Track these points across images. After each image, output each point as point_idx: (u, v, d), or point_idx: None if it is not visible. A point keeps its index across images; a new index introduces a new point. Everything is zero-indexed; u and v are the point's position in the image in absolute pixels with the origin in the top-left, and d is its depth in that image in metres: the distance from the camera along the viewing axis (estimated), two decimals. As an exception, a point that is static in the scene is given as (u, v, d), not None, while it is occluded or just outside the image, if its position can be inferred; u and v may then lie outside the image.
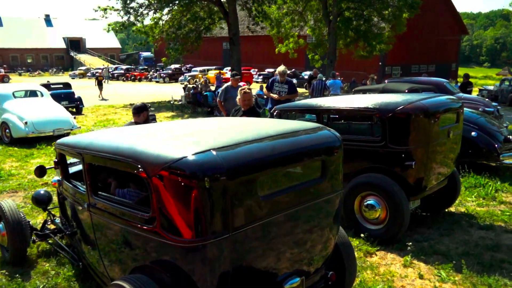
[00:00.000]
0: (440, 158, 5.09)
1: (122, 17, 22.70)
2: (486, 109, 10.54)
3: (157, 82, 40.99)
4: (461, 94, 11.50)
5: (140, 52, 69.58)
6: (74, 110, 18.33)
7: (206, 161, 2.41)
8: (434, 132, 4.84)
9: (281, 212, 2.73)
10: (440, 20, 43.98)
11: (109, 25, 23.22)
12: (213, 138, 2.84)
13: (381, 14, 26.40)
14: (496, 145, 7.31)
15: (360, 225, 5.06)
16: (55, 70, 65.87)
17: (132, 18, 23.09)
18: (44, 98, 13.00)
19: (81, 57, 71.17)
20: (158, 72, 44.05)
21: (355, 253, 3.89)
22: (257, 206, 2.59)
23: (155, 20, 24.07)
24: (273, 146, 2.78)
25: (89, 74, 48.25)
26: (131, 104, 23.21)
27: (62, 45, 74.54)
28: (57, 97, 18.10)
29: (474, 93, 19.24)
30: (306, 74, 36.88)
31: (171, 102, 19.29)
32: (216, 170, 2.38)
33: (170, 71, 42.35)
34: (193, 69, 43.44)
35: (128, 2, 22.52)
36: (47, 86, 19.60)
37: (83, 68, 55.33)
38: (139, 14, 23.04)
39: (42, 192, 4.86)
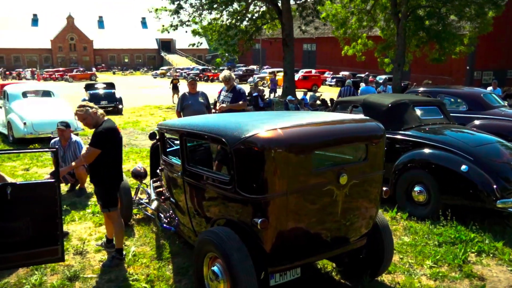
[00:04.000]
0: (323, 215, 3.45)
1: (174, 18, 22.47)
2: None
3: (227, 83, 40.76)
4: (507, 110, 9.07)
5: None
6: (111, 109, 18.38)
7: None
8: (305, 174, 3.25)
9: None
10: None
11: (163, 26, 23.11)
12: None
13: (461, 12, 23.21)
14: (494, 186, 5.24)
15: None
16: (145, 69, 69.31)
17: (185, 19, 22.80)
18: (54, 98, 12.88)
19: (170, 57, 74.19)
20: (228, 73, 43.85)
21: None
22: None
23: (210, 21, 23.60)
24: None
25: (168, 74, 49.73)
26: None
27: (154, 46, 78.41)
28: (96, 97, 18.33)
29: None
30: (381, 78, 34.16)
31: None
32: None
33: (240, 72, 41.90)
34: (262, 70, 42.54)
35: (180, 3, 22.24)
36: (90, 86, 20.01)
37: (165, 68, 57.37)
38: (190, 15, 22.66)
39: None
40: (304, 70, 45.51)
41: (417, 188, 5.84)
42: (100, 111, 4.48)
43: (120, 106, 18.82)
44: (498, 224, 5.60)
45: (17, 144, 11.41)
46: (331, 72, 43.92)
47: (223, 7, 23.28)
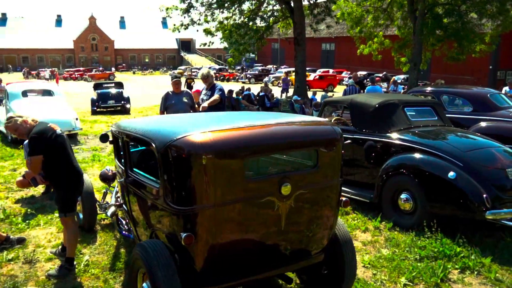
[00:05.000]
0: (264, 229, 3.07)
1: (184, 17, 22.30)
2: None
3: (243, 83, 40.46)
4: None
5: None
6: (118, 109, 18.32)
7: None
8: (238, 183, 2.88)
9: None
10: None
11: (174, 25, 22.96)
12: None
13: (482, 10, 22.31)
14: (485, 195, 4.75)
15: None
16: (165, 69, 69.68)
17: (196, 18, 22.60)
18: (54, 98, 12.78)
19: (190, 57, 74.44)
20: (244, 73, 43.61)
21: None
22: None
23: (222, 19, 23.35)
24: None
25: (185, 73, 49.76)
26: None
27: (174, 46, 78.84)
28: (104, 97, 18.31)
29: None
30: (399, 78, 33.25)
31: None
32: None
33: (256, 72, 41.58)
34: (278, 70, 42.11)
35: (191, 2, 22.05)
36: (98, 85, 19.98)
37: (182, 67, 57.51)
38: (201, 14, 22.45)
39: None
40: (322, 70, 44.92)
41: (403, 196, 5.38)
42: (32, 118, 4.23)
43: (127, 106, 18.71)
44: (492, 236, 5.10)
45: (15, 144, 11.33)
46: (349, 72, 43.07)
47: (236, 5, 23.00)
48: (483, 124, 8.15)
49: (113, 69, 56.25)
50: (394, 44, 26.68)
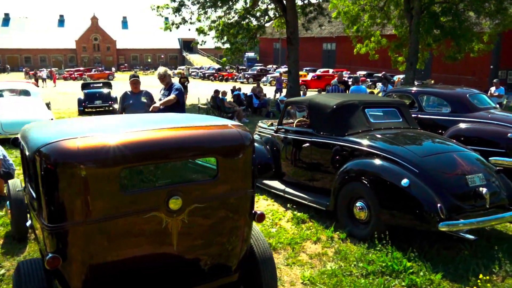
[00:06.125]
0: (151, 249, 2.69)
1: (175, 16, 21.96)
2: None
3: (241, 82, 40.08)
4: (496, 112, 8.03)
5: (245, 53, 69.81)
6: (106, 109, 18.05)
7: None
8: (114, 197, 2.51)
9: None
10: None
11: (165, 23, 22.63)
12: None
13: (480, 8, 21.78)
14: (439, 204, 4.34)
15: None
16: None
17: (188, 16, 22.28)
18: (30, 98, 12.54)
19: (192, 57, 74.19)
20: (242, 73, 43.24)
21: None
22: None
23: (216, 19, 22.98)
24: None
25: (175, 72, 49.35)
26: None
27: (177, 46, 78.62)
28: (91, 97, 18.05)
29: None
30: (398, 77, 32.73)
31: (198, 106, 17.89)
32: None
33: (255, 72, 41.22)
34: (277, 70, 41.69)
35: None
36: (86, 85, 19.73)
37: (182, 67, 57.27)
38: (193, 12, 22.11)
39: None
40: (322, 70, 44.41)
41: (358, 204, 4.98)
42: None
43: (115, 106, 18.40)
44: (451, 249, 4.70)
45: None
46: (349, 72, 42.56)
47: (230, 3, 22.62)
48: (463, 125, 7.74)
49: (113, 69, 56.11)
50: (391, 43, 26.21)
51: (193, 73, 52.49)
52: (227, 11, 23.01)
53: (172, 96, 6.75)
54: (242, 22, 21.57)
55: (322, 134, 5.68)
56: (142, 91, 7.35)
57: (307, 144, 5.82)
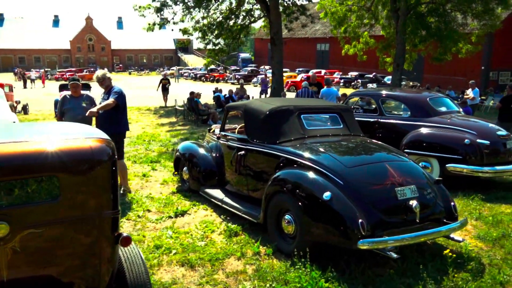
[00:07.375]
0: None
1: (158, 16, 21.68)
2: (479, 140, 6.80)
3: (232, 83, 39.77)
4: (458, 117, 7.71)
5: (239, 53, 69.56)
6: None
7: None
8: None
9: None
10: None
11: (149, 24, 22.34)
12: None
13: (467, 9, 21.48)
14: (360, 220, 4.01)
15: None
16: (161, 69, 69.17)
17: (170, 17, 22.01)
18: (-6, 99, 12.16)
19: (187, 57, 73.92)
20: (233, 74, 42.94)
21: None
22: None
23: (200, 19, 22.72)
24: None
25: (176, 74, 49.16)
26: (161, 107, 22.23)
27: (172, 46, 78.28)
28: (67, 98, 17.67)
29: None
30: (389, 78, 32.42)
31: (175, 107, 17.59)
32: None
33: (246, 73, 40.91)
34: (268, 71, 41.37)
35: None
36: (64, 86, 19.36)
37: (174, 68, 56.97)
38: (176, 12, 21.83)
39: None
40: (314, 71, 44.06)
41: (286, 217, 4.66)
42: None
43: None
44: (382, 266, 4.37)
45: None
46: (341, 73, 42.27)
47: (215, 4, 22.37)
48: (424, 130, 7.43)
49: (105, 69, 55.75)
50: (378, 44, 25.90)
51: (185, 74, 52.11)
52: (211, 12, 22.74)
53: (110, 100, 6.44)
54: (224, 23, 21.28)
55: (255, 142, 5.36)
56: (83, 95, 7.06)
57: (243, 152, 5.50)
